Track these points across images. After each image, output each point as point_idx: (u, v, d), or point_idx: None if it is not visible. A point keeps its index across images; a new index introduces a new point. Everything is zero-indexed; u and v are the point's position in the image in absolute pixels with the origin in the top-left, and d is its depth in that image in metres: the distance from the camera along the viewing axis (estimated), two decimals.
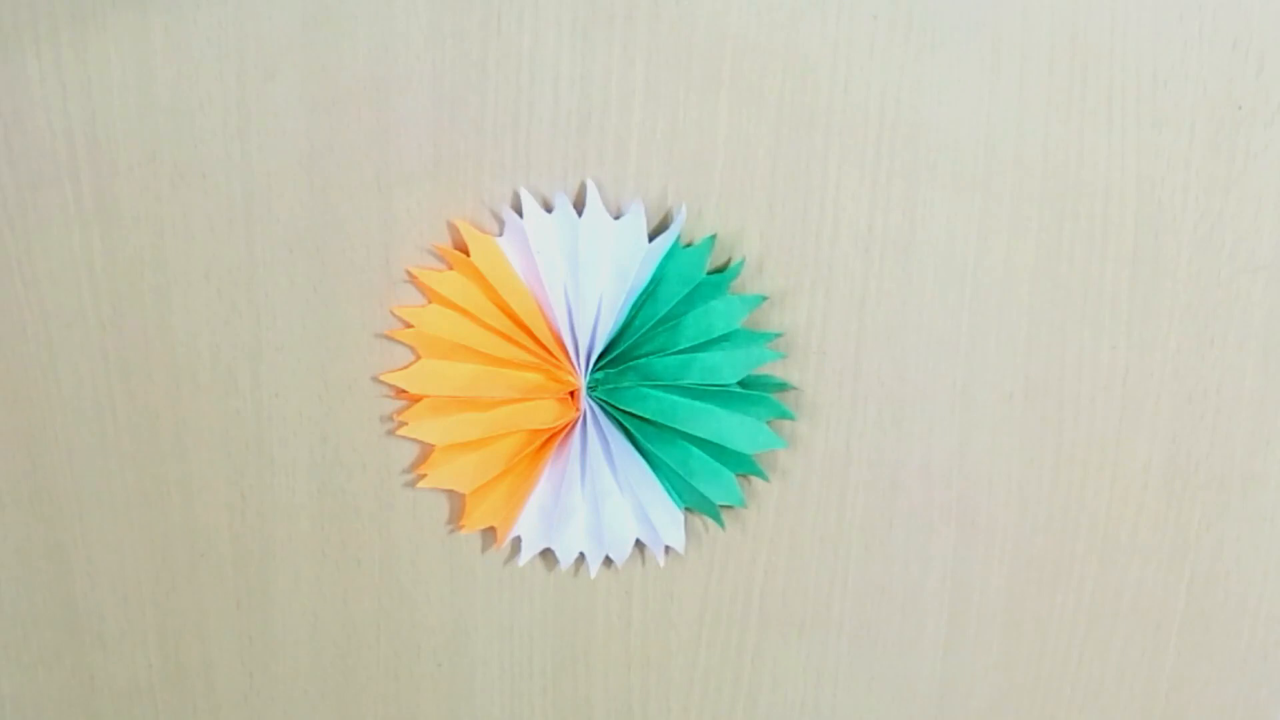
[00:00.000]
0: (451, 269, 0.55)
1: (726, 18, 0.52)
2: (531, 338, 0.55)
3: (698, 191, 0.54)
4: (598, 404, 0.56)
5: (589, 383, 0.56)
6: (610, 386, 0.56)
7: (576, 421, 0.57)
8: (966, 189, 0.53)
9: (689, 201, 0.54)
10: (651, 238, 0.54)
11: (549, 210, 0.54)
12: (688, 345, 0.55)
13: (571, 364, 0.56)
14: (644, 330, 0.55)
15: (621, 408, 0.56)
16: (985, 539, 0.59)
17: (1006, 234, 0.54)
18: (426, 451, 0.58)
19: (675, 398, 0.56)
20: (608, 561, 0.60)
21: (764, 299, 0.55)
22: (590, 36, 0.52)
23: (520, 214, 0.54)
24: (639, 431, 0.56)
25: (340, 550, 0.62)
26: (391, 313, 0.56)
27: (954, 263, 0.54)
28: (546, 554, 0.60)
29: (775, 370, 0.57)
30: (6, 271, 0.57)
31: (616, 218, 0.54)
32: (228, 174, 0.55)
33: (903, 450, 0.58)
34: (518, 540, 0.60)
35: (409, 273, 0.56)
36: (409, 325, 0.56)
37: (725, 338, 0.55)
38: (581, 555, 0.60)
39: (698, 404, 0.56)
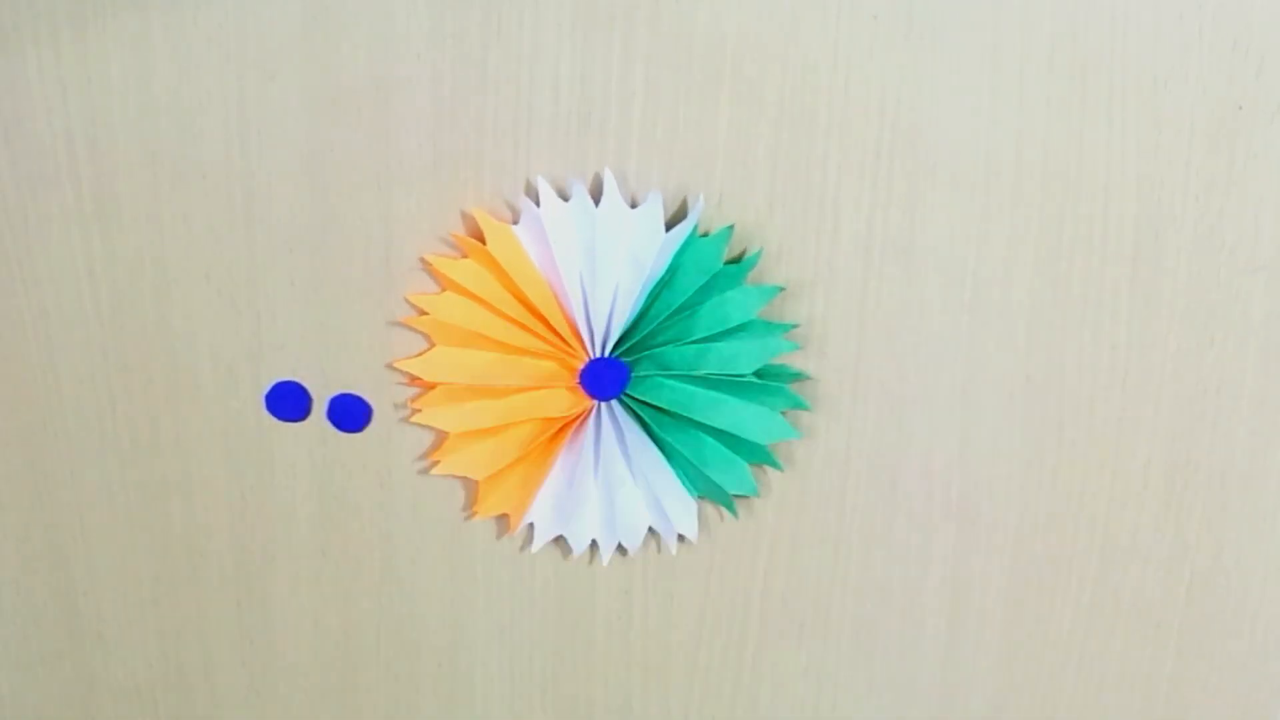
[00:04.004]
0: (467, 257, 0.55)
1: (726, 18, 0.52)
2: (547, 326, 0.55)
3: (698, 191, 0.54)
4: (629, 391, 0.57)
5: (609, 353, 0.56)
6: None
7: (590, 410, 0.57)
8: (966, 189, 0.53)
9: (689, 201, 0.54)
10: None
11: (565, 199, 0.54)
12: (704, 335, 0.55)
13: (587, 353, 0.56)
14: (660, 320, 0.55)
15: (637, 397, 0.56)
16: (985, 539, 0.59)
17: (1006, 234, 0.54)
18: (440, 439, 0.58)
19: (691, 387, 0.56)
20: (621, 550, 0.60)
21: (781, 289, 0.55)
22: (590, 36, 0.52)
23: (537, 203, 0.54)
24: (654, 421, 0.57)
25: (340, 550, 0.62)
26: (406, 300, 0.56)
27: (954, 263, 0.54)
28: (555, 547, 0.60)
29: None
30: (6, 271, 0.57)
31: (633, 207, 0.54)
32: (228, 174, 0.55)
33: (903, 450, 0.58)
34: (530, 528, 0.60)
35: (424, 260, 0.56)
36: (423, 312, 0.56)
37: (741, 328, 0.55)
38: (594, 543, 0.60)
39: (713, 394, 0.56)
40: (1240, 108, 0.51)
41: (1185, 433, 0.56)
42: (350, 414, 0.59)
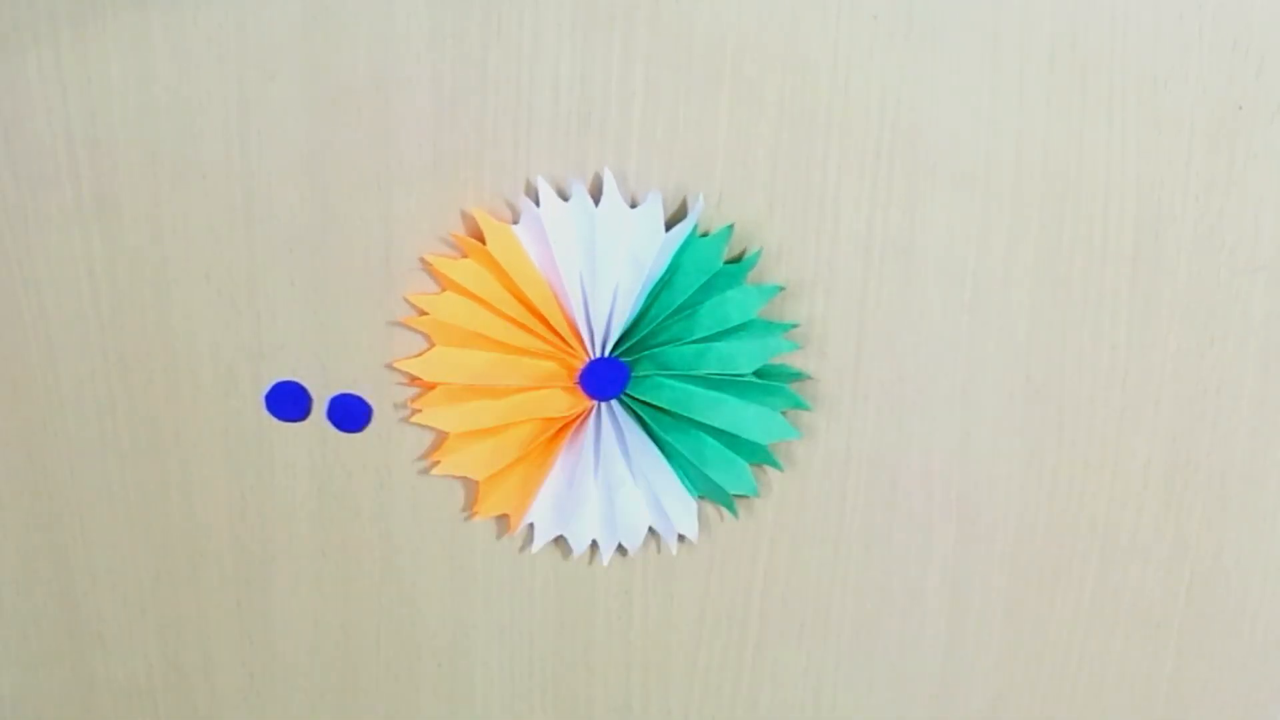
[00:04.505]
0: (467, 257, 0.55)
1: (726, 18, 0.52)
2: (546, 326, 0.55)
3: (698, 191, 0.54)
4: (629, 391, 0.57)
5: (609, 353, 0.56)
6: None
7: (590, 410, 0.57)
8: (966, 189, 0.53)
9: (689, 201, 0.54)
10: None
11: (565, 199, 0.54)
12: (704, 335, 0.55)
13: (587, 353, 0.56)
14: (660, 319, 0.55)
15: (637, 397, 0.56)
16: (985, 539, 0.59)
17: (1006, 234, 0.54)
18: (440, 439, 0.58)
19: (691, 387, 0.56)
20: (621, 550, 0.60)
21: (781, 288, 0.55)
22: (590, 36, 0.52)
23: (537, 203, 0.54)
24: (654, 421, 0.57)
25: (340, 550, 0.62)
26: (406, 300, 0.56)
27: (954, 263, 0.54)
28: (555, 547, 0.60)
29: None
30: (6, 271, 0.57)
31: (633, 207, 0.54)
32: (228, 174, 0.55)
33: (903, 450, 0.58)
34: (530, 528, 0.60)
35: (424, 260, 0.56)
36: (423, 312, 0.56)
37: (741, 327, 0.55)
38: (594, 543, 0.60)
39: (713, 393, 0.56)
40: (1240, 108, 0.51)
41: (1185, 433, 0.56)
42: (350, 414, 0.59)
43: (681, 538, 0.60)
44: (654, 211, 0.54)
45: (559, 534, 0.60)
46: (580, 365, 0.56)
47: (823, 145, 0.53)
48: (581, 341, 0.55)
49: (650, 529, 0.59)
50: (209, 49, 0.53)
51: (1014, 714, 0.62)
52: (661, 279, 0.54)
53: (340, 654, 0.64)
